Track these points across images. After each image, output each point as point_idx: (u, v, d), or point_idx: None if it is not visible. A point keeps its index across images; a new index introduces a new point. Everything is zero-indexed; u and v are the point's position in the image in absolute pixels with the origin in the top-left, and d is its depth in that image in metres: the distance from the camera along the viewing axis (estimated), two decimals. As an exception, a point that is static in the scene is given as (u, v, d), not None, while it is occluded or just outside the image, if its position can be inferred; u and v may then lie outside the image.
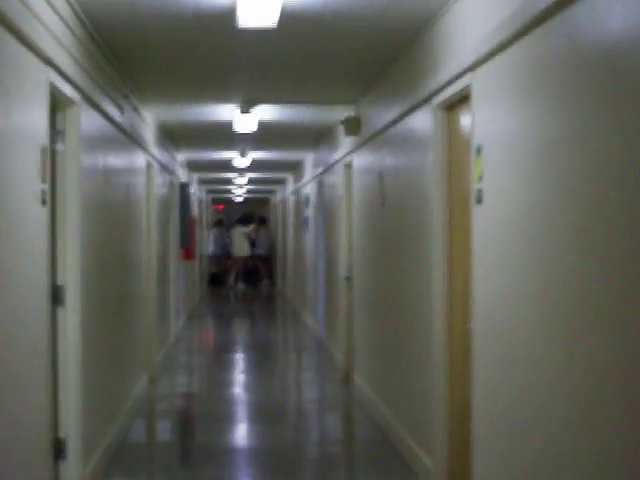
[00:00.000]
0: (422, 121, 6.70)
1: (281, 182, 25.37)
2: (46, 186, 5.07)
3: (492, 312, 4.91)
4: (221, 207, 35.64)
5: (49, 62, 5.07)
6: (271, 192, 31.17)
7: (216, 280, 29.94)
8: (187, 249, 16.61)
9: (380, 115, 8.50)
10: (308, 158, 17.13)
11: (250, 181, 24.32)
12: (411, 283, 7.14)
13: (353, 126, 9.90)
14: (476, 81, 5.20)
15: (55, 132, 5.85)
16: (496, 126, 4.86)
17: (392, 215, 8.02)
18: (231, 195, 32.82)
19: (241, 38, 6.78)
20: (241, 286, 29.79)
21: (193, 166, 19.14)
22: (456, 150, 6.09)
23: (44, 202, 5.03)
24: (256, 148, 15.45)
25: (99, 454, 6.85)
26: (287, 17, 6.10)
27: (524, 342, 4.42)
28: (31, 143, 4.77)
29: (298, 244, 20.16)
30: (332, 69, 8.27)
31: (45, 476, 5.24)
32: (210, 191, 29.70)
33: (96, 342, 6.85)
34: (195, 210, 20.71)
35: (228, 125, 11.97)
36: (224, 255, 29.74)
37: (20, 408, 4.60)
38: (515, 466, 4.59)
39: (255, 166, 19.00)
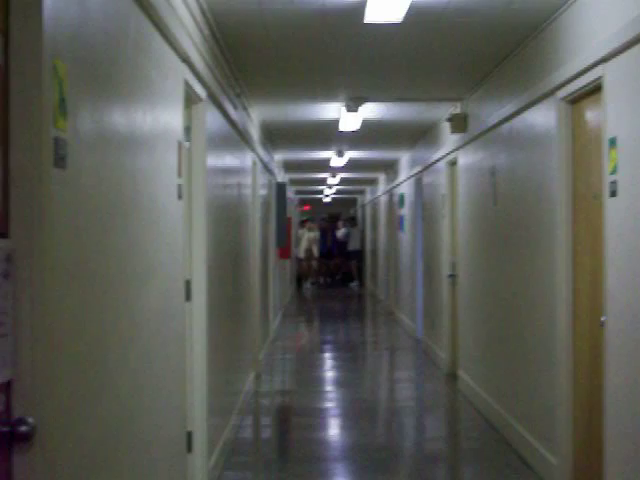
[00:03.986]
0: (544, 115, 6.66)
1: (371, 182, 25.38)
2: (182, 180, 5.16)
3: (631, 304, 4.86)
4: (308, 207, 35.77)
5: (185, 59, 5.15)
6: (359, 192, 31.20)
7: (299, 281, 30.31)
8: (283, 248, 16.72)
9: (491, 111, 8.46)
10: (403, 157, 17.12)
11: (341, 180, 24.37)
12: (530, 277, 7.10)
13: (460, 123, 9.88)
14: (609, 73, 5.15)
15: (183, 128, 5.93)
16: (633, 118, 4.81)
17: (506, 212, 7.97)
18: (319, 195, 32.93)
19: (361, 35, 6.82)
20: (316, 287, 29.91)
21: (286, 166, 19.25)
22: (580, 143, 6.04)
23: (180, 196, 5.11)
24: (353, 147, 15.48)
25: (219, 449, 6.93)
26: (412, 12, 6.11)
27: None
28: (170, 138, 4.85)
29: (391, 244, 20.13)
30: (442, 66, 8.27)
31: (180, 469, 5.33)
32: (298, 192, 29.86)
33: (217, 339, 6.94)
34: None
35: (330, 124, 12.03)
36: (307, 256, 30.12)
37: (162, 402, 4.67)
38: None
39: (349, 166, 19.05)
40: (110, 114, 3.50)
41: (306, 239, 29.84)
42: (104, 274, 3.41)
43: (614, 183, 5.09)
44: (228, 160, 7.84)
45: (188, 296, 6.03)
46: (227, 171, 7.74)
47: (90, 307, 3.21)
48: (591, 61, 5.41)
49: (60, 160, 2.80)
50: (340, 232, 30.27)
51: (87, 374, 3.17)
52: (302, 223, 30.95)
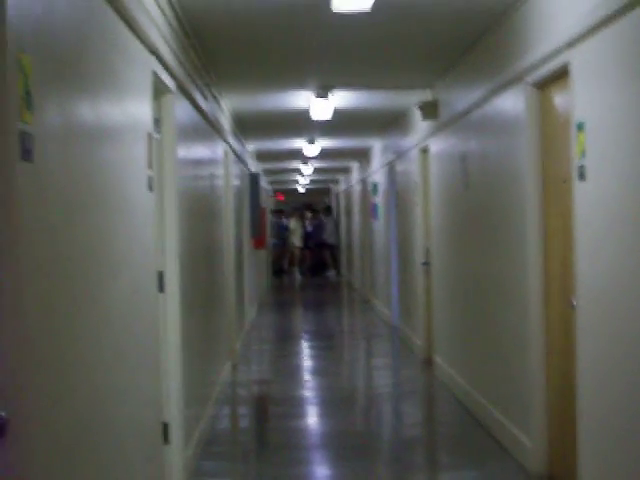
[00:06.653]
0: (513, 100, 6.69)
1: (345, 171, 25.39)
2: (152, 172, 5.16)
3: (601, 286, 4.90)
4: (282, 197, 35.76)
5: (153, 51, 5.15)
6: (333, 181, 31.21)
7: (279, 270, 30.22)
8: (258, 238, 16.74)
9: (461, 97, 8.50)
10: (376, 145, 17.13)
11: (315, 170, 24.37)
12: (502, 262, 7.14)
13: (431, 110, 9.90)
14: (576, 58, 5.18)
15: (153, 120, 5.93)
16: (601, 102, 4.84)
17: (478, 197, 8.01)
18: (293, 185, 32.94)
19: (330, 23, 6.83)
20: (299, 275, 30.12)
21: (259, 156, 19.24)
22: (549, 127, 6.08)
23: (151, 188, 5.12)
24: (325, 136, 15.49)
25: (196, 439, 6.94)
26: (380, 0, 6.13)
27: (638, 314, 4.41)
28: (139, 130, 4.85)
29: (365, 232, 20.17)
30: (411, 53, 8.29)
31: (156, 460, 5.33)
32: (272, 182, 29.86)
33: (192, 330, 6.94)
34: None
35: (301, 113, 12.03)
36: (281, 245, 30.24)
37: (135, 394, 4.68)
38: (629, 446, 4.58)
39: (322, 155, 19.06)
40: (77, 107, 3.50)
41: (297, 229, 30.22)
42: (74, 267, 3.42)
43: (582, 167, 5.13)
44: (199, 151, 7.84)
45: (161, 287, 6.03)
46: (199, 162, 7.74)
47: (61, 300, 3.22)
48: (557, 46, 5.44)
49: (26, 153, 2.80)
50: (310, 225, 30.57)
51: (59, 367, 3.18)
52: (281, 213, 31.00)
